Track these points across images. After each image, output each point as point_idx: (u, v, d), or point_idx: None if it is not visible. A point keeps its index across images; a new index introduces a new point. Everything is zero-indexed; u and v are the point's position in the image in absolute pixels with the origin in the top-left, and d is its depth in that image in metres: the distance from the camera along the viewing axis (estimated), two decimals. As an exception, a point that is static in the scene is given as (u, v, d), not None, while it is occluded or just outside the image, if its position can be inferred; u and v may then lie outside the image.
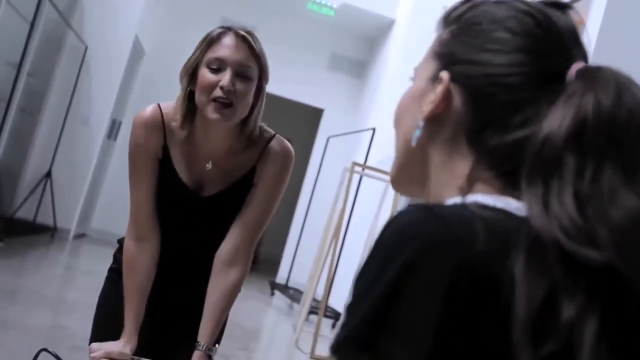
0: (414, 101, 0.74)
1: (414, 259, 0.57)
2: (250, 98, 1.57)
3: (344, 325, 0.60)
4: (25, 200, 6.55)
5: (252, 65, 1.55)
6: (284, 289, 7.52)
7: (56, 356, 1.47)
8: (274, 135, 1.67)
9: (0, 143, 5.67)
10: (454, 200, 0.66)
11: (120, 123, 8.06)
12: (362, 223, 6.26)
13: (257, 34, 1.62)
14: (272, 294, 7.67)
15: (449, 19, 0.75)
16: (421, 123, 0.70)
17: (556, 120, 0.62)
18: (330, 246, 5.23)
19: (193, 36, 8.44)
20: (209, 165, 1.63)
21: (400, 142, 0.75)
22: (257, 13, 8.64)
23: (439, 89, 0.69)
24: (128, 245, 1.64)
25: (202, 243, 1.67)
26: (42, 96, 6.84)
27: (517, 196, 0.63)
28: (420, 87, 0.73)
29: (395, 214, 0.62)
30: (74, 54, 6.98)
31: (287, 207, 8.16)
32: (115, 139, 8.07)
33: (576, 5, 3.59)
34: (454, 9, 0.75)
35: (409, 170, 0.75)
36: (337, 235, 5.15)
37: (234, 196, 1.64)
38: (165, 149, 1.62)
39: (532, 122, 0.64)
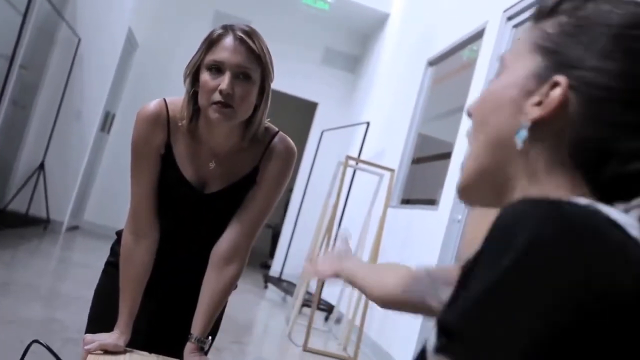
0: (511, 96, 0.67)
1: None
2: (252, 99, 1.56)
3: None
4: (18, 192, 6.54)
5: (251, 66, 1.53)
6: (278, 281, 7.53)
7: (48, 348, 1.47)
8: (277, 133, 1.67)
9: (-8, 135, 5.66)
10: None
11: (113, 115, 8.04)
12: (355, 216, 6.27)
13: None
14: (266, 286, 7.68)
15: (558, 9, 0.68)
16: (527, 124, 0.64)
17: None
18: (323, 239, 5.24)
19: (186, 29, 8.44)
20: (212, 164, 1.63)
21: (486, 139, 0.68)
22: (251, 7, 8.62)
23: (556, 93, 0.63)
24: (126, 238, 1.64)
25: (201, 238, 1.68)
26: (35, 88, 6.81)
27: None
28: (520, 82, 0.67)
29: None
30: (67, 46, 6.95)
31: (280, 200, 8.16)
32: (108, 131, 8.05)
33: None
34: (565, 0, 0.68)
35: (489, 176, 0.68)
36: (331, 228, 5.16)
37: (236, 194, 1.65)
38: (168, 145, 1.62)
39: None
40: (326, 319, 6.29)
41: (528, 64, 0.67)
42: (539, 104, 0.64)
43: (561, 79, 0.63)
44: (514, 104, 0.66)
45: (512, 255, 0.51)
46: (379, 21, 8.35)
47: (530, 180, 0.65)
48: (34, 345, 1.47)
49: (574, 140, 0.63)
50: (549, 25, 0.68)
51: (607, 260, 0.52)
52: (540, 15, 0.70)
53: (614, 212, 0.57)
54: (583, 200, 0.59)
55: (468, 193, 0.71)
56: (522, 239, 0.52)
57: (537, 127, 0.64)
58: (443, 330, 0.53)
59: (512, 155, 0.66)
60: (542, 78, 0.65)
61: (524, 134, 0.64)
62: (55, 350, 1.50)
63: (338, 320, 6.16)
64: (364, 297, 5.03)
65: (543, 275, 0.50)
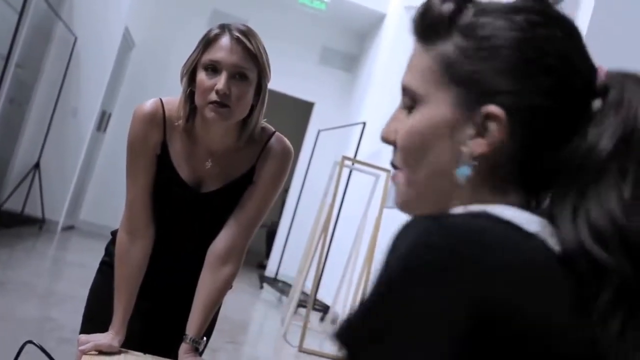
0: (442, 132, 0.66)
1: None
2: (248, 99, 1.56)
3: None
4: (14, 191, 6.52)
5: (248, 66, 1.53)
6: (273, 282, 7.53)
7: (41, 348, 1.47)
8: (274, 133, 1.67)
9: (-12, 134, 5.64)
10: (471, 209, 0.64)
11: (109, 115, 8.02)
12: (351, 217, 6.27)
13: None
14: (261, 287, 7.67)
15: (451, 27, 0.67)
16: (470, 162, 0.65)
17: (603, 132, 0.62)
18: (319, 239, 5.24)
19: (183, 28, 8.42)
20: (208, 164, 1.62)
21: (422, 174, 0.68)
22: (248, 6, 8.61)
23: (495, 128, 0.64)
24: (121, 237, 1.64)
25: (197, 238, 1.67)
26: (31, 87, 6.80)
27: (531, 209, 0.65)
28: (446, 116, 0.66)
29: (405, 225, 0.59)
30: (63, 45, 6.94)
31: (276, 200, 8.15)
32: (104, 130, 8.03)
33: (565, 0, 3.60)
34: (454, 13, 0.67)
35: (429, 199, 0.70)
36: (327, 228, 5.16)
37: (232, 193, 1.64)
38: (164, 145, 1.62)
39: (572, 138, 0.64)
40: (322, 319, 6.28)
41: (446, 96, 0.66)
42: (477, 134, 0.65)
43: (497, 110, 0.63)
44: (447, 138, 0.66)
45: (393, 265, 0.55)
46: (376, 21, 8.35)
47: (476, 198, 0.67)
48: (28, 345, 1.46)
49: (517, 158, 0.65)
50: (448, 48, 0.67)
51: (482, 254, 0.55)
52: (430, 33, 0.69)
53: (510, 212, 0.62)
54: (475, 207, 0.63)
55: (408, 210, 0.72)
56: (401, 250, 0.55)
57: (479, 159, 0.65)
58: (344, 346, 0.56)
59: (454, 185, 0.66)
60: (467, 109, 0.65)
61: (467, 170, 0.65)
62: (49, 350, 1.49)
63: (334, 321, 6.16)
64: (359, 297, 5.03)
65: (423, 280, 0.54)
